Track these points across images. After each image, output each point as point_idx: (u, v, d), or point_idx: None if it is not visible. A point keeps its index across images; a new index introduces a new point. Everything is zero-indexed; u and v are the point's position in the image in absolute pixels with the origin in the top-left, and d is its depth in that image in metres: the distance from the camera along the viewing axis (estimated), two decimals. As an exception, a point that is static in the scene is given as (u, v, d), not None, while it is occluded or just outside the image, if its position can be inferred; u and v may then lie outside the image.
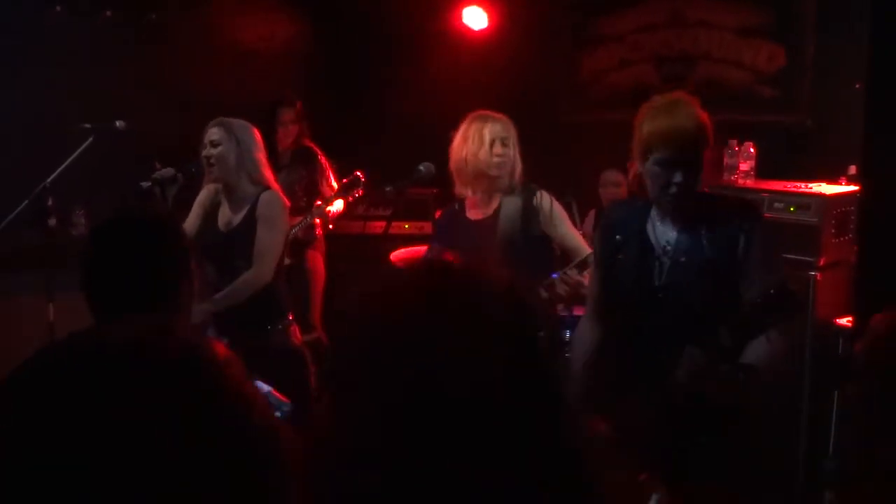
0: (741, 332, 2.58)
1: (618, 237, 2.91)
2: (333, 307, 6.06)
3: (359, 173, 4.85)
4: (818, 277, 4.07)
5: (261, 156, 3.99)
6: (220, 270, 4.00)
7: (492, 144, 3.74)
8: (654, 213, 2.86)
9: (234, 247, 3.95)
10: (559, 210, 3.85)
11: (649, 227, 2.86)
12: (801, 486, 4.05)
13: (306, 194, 5.48)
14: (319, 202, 5.14)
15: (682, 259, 2.77)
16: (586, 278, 3.68)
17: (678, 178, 2.68)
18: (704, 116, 2.73)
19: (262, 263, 3.90)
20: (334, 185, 5.43)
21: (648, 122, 2.73)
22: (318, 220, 5.13)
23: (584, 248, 3.82)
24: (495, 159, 3.75)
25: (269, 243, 3.91)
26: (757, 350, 2.60)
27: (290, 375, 3.68)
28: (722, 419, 2.68)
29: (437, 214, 4.17)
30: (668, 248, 2.80)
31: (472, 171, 3.78)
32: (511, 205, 3.82)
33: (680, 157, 2.69)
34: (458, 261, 1.01)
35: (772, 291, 2.52)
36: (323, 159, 5.60)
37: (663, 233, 2.83)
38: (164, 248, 2.19)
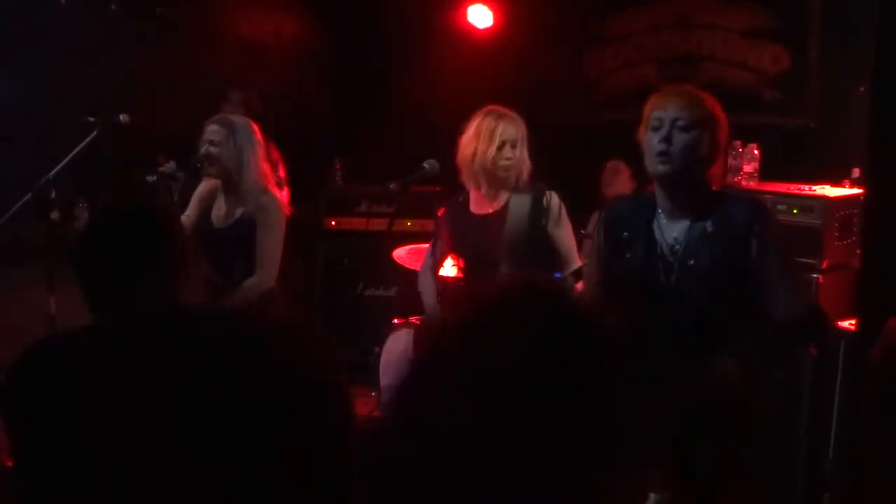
0: (765, 348, 2.61)
1: (625, 234, 2.81)
2: (335, 301, 6.06)
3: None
4: (821, 280, 4.06)
5: (260, 156, 3.97)
6: (214, 265, 3.99)
7: (501, 147, 3.74)
8: (660, 209, 2.77)
9: (226, 243, 3.95)
10: (565, 214, 3.86)
11: (655, 225, 2.77)
12: (800, 488, 4.04)
13: None
14: None
15: (692, 262, 2.69)
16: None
17: (678, 140, 2.60)
18: (717, 107, 2.69)
19: (266, 269, 3.93)
20: None
21: (652, 99, 2.72)
22: None
23: (575, 260, 3.83)
24: (504, 162, 3.76)
25: (272, 248, 3.95)
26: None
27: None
28: (722, 422, 2.68)
29: (440, 210, 4.15)
30: (677, 248, 2.72)
31: (479, 169, 3.78)
32: (521, 202, 3.82)
33: (677, 115, 2.62)
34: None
35: (803, 317, 2.57)
36: None
37: (670, 230, 2.74)
38: (154, 243, 2.18)
